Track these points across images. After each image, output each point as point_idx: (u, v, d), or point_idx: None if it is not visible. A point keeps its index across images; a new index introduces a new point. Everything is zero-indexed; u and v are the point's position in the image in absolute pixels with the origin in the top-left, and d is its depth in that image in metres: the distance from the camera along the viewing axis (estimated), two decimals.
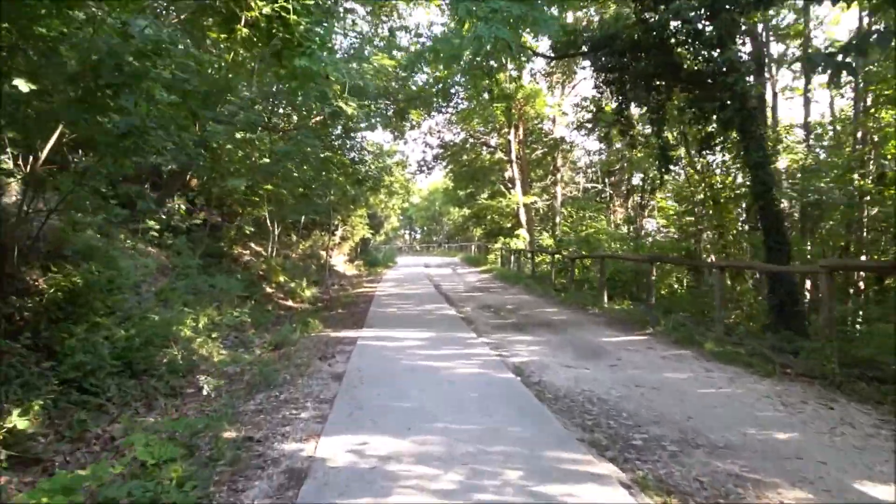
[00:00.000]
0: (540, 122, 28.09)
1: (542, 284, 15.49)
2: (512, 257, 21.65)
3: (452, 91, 22.93)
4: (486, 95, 23.35)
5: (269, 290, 13.99)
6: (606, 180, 26.44)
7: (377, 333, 8.43)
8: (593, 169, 28.54)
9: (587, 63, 17.87)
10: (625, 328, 8.72)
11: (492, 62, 20.37)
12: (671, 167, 12.66)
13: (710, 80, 9.80)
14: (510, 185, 25.78)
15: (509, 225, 26.84)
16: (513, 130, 24.81)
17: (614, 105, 12.27)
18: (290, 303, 13.74)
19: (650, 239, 21.52)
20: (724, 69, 9.28)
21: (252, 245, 18.42)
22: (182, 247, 10.02)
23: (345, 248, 27.52)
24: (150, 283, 8.08)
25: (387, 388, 5.26)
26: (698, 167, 17.26)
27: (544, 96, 23.37)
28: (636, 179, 30.83)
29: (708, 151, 12.45)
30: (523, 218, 24.73)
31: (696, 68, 10.09)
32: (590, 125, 19.58)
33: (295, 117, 13.94)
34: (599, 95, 15.37)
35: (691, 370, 5.98)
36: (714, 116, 10.20)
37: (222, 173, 10.46)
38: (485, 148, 28.89)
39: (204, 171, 9.68)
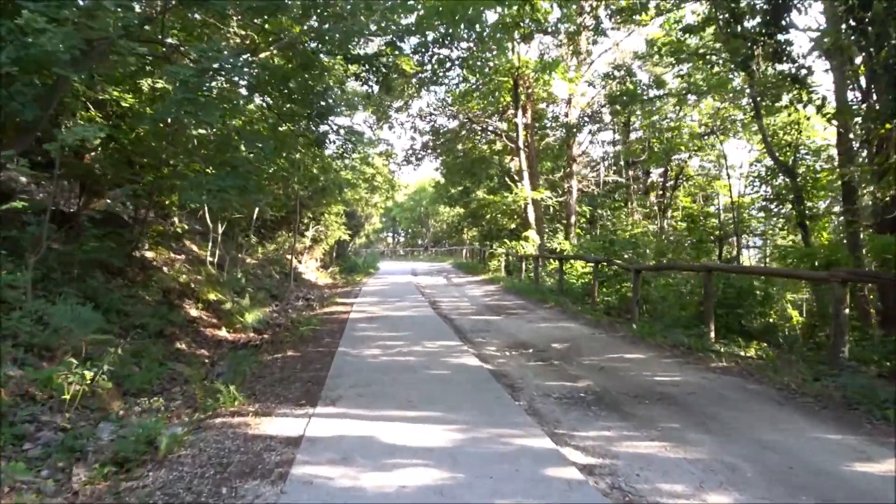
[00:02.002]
0: (551, 104, 24.01)
1: (581, 305, 11.28)
2: (523, 265, 17.42)
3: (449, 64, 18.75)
4: (490, 66, 19.21)
5: (194, 313, 9.62)
6: (629, 173, 22.47)
7: (341, 429, 4.13)
8: (608, 161, 24.52)
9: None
10: (836, 417, 4.52)
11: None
12: None
13: None
14: (516, 179, 21.62)
15: (514, 226, 22.66)
16: (520, 113, 20.64)
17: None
18: (222, 333, 9.35)
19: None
20: None
21: (193, 247, 14.00)
22: None
23: (317, 251, 23.11)
24: None
25: None
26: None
27: (564, 67, 19.20)
28: (654, 175, 27.02)
29: None
30: (532, 217, 20.56)
31: None
32: (620, 101, 15.47)
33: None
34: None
35: None
36: None
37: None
38: (485, 135, 24.68)
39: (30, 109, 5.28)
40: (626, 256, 12.05)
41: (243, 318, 9.40)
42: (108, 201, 10.83)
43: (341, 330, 9.07)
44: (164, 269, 10.97)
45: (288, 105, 9.58)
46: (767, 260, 28.65)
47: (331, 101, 10.28)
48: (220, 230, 13.27)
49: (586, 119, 21.29)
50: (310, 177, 14.18)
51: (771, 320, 8.88)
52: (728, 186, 26.39)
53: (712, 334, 7.11)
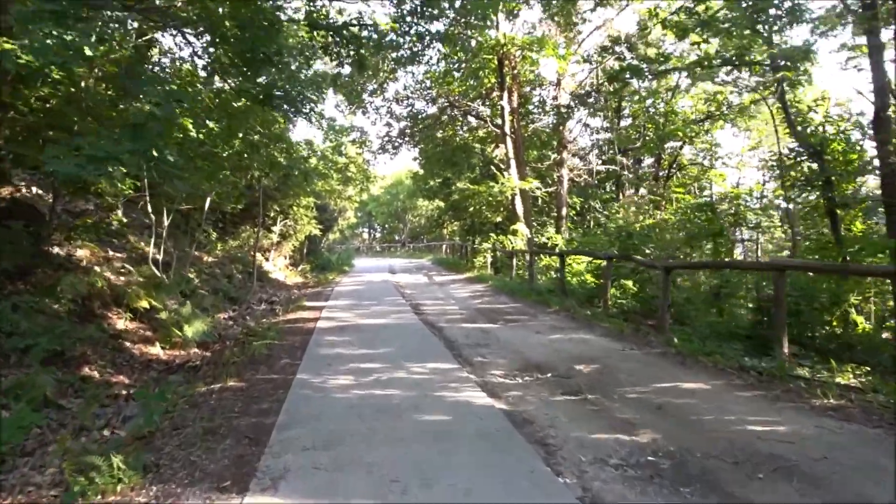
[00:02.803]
0: (538, 88, 22.33)
1: (591, 309, 9.63)
2: (514, 261, 15.72)
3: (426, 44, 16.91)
4: (473, 42, 17.46)
5: (122, 324, 7.73)
6: (624, 160, 20.96)
7: None
8: (599, 149, 23.00)
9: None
10: None
11: None
12: None
13: None
14: (501, 168, 19.92)
15: (499, 219, 20.95)
16: (505, 95, 18.91)
17: None
18: (155, 350, 7.49)
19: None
20: None
21: (142, 245, 12.03)
22: None
23: (286, 248, 21.12)
24: None
25: None
26: None
27: (554, 44, 17.47)
28: (645, 166, 25.62)
29: None
30: (520, 209, 18.88)
31: None
32: (624, 76, 13.81)
33: None
34: None
35: None
36: None
37: None
38: (467, 121, 22.93)
39: None
40: (646, 251, 10.43)
41: (185, 329, 7.52)
42: (28, 189, 8.87)
43: (304, 345, 7.26)
44: (97, 269, 9.05)
45: (221, 50, 7.67)
46: (760, 254, 27.55)
47: (285, 60, 8.41)
48: (166, 222, 11.31)
49: (577, 102, 19.65)
50: (271, 162, 12.26)
51: (836, 329, 7.31)
52: (723, 175, 25.10)
53: (786, 350, 5.47)
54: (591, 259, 12.46)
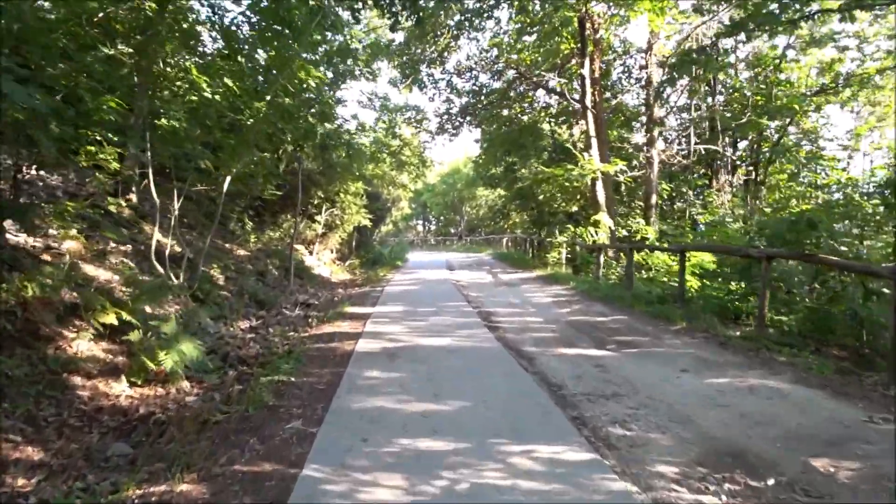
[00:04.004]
0: (622, 58, 19.25)
1: (732, 327, 6.77)
2: (601, 258, 12.81)
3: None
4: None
5: (86, 346, 5.48)
6: (726, 139, 17.69)
7: None
8: (692, 128, 19.69)
9: None
10: None
11: None
12: None
13: None
14: (575, 150, 16.97)
15: (575, 208, 18.04)
16: (587, 63, 15.94)
17: None
18: (117, 389, 5.19)
19: None
20: None
21: (160, 236, 9.95)
22: None
23: (332, 240, 18.91)
24: None
25: None
26: None
27: None
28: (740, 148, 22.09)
29: None
30: (601, 196, 15.90)
31: None
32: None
33: None
34: None
35: None
36: None
37: None
38: (537, 97, 20.07)
39: None
40: (842, 249, 7.44)
41: (156, 358, 5.17)
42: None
43: (332, 388, 4.78)
44: (81, 266, 6.94)
45: None
46: None
47: None
48: (177, 207, 9.14)
49: (677, 67, 16.42)
50: (306, 130, 9.85)
51: None
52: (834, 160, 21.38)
53: None
54: (712, 258, 9.52)
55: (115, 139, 7.43)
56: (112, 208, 8.95)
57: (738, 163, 21.16)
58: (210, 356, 6.63)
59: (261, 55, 8.88)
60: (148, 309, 7.09)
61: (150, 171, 8.52)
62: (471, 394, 4.51)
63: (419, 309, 9.58)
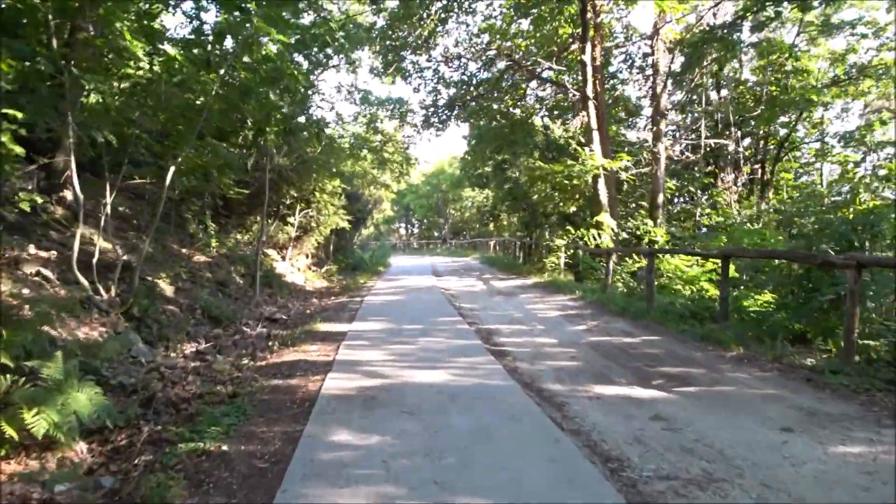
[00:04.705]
0: (624, 45, 17.85)
1: (807, 353, 5.29)
2: (610, 264, 11.31)
3: None
4: None
5: None
6: (738, 134, 16.36)
7: None
8: (699, 123, 18.40)
9: None
10: None
11: None
12: None
13: None
14: (581, 142, 15.51)
15: (573, 208, 16.56)
16: (588, 48, 14.48)
17: None
18: None
19: None
20: None
21: (94, 237, 8.27)
22: None
23: (307, 244, 17.20)
24: None
25: None
26: None
27: None
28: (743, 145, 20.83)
29: None
30: (604, 195, 14.44)
31: None
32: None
33: None
34: None
35: None
36: None
37: None
38: (531, 87, 18.55)
39: None
40: None
41: (21, 420, 3.52)
42: None
43: (280, 469, 3.16)
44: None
45: None
46: None
47: None
48: (109, 202, 7.44)
49: (691, 51, 14.99)
50: (268, 107, 8.14)
51: None
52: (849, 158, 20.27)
53: None
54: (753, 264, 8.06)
55: (19, 116, 5.71)
56: (24, 206, 7.19)
57: (744, 161, 19.97)
58: (132, 397, 4.99)
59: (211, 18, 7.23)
60: (58, 333, 5.46)
61: (73, 157, 6.82)
62: (492, 485, 2.91)
63: (404, 326, 7.97)
